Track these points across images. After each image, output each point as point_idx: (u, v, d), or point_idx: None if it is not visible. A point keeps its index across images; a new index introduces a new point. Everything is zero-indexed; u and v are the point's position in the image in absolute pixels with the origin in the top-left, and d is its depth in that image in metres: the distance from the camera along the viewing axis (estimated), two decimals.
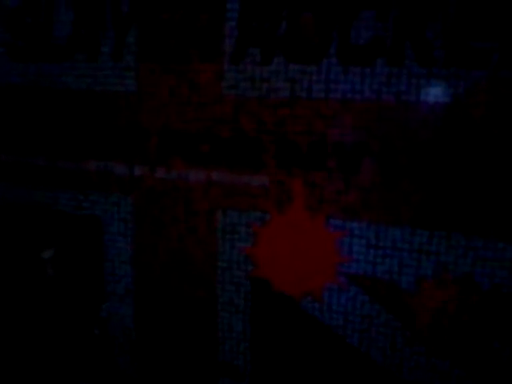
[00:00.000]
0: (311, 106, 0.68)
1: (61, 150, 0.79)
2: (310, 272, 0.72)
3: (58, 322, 0.82)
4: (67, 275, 0.81)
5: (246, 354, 0.78)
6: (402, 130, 0.65)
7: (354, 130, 0.67)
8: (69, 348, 0.84)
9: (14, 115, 0.81)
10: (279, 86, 0.69)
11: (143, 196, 0.76)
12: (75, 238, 0.80)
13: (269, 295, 0.74)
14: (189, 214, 0.75)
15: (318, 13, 0.66)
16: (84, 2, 0.75)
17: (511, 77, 0.61)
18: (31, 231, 0.81)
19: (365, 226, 0.69)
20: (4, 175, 0.83)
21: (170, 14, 0.71)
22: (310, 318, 0.73)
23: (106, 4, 0.74)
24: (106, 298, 0.81)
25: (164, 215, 0.76)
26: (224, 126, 0.71)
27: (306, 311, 0.73)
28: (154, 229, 0.77)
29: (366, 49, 0.65)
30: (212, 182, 0.73)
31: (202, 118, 0.72)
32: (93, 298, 0.81)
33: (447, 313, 0.68)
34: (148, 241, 0.78)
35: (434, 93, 0.65)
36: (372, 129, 0.66)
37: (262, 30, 0.68)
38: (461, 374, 0.69)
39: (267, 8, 0.68)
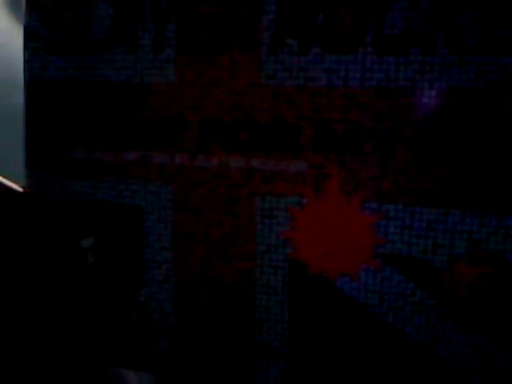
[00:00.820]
0: (347, 93, 0.71)
1: (101, 142, 0.82)
2: (346, 253, 0.75)
3: (97, 307, 0.85)
4: (108, 262, 0.84)
5: (284, 335, 0.81)
6: (435, 115, 0.69)
7: (389, 117, 0.70)
8: (107, 332, 0.86)
9: (54, 109, 0.84)
10: (316, 75, 0.72)
11: (183, 184, 0.79)
12: (116, 226, 0.83)
13: (306, 277, 0.77)
14: (228, 200, 0.78)
15: (354, 4, 0.69)
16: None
17: None
18: (73, 220, 0.84)
19: (400, 208, 0.72)
20: (47, 167, 0.85)
21: (209, 7, 0.74)
22: (346, 298, 0.76)
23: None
24: (145, 283, 0.84)
25: (203, 202, 0.79)
26: (263, 114, 0.74)
27: (343, 291, 0.76)
28: (193, 215, 0.80)
29: (400, 38, 0.69)
30: (251, 168, 0.76)
31: (241, 107, 0.75)
32: (132, 285, 0.83)
33: (479, 289, 0.71)
34: (188, 227, 0.80)
35: (465, 79, 0.68)
36: (406, 115, 0.70)
37: (299, 22, 0.72)
38: (493, 347, 0.72)
39: (304, 0, 0.71)
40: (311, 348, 0.80)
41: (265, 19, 0.73)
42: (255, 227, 0.78)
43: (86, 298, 0.87)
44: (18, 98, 0.90)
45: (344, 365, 0.79)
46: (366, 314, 0.76)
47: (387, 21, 0.69)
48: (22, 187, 0.86)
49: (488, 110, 0.67)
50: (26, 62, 0.85)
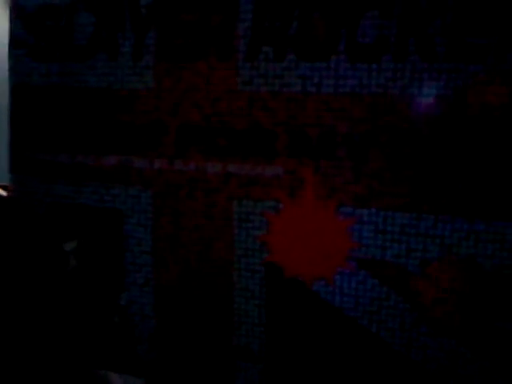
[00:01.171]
0: (321, 99, 0.73)
1: (83, 147, 0.83)
2: (321, 257, 0.76)
3: (79, 309, 0.86)
4: (89, 265, 0.85)
5: (262, 338, 0.82)
6: (407, 121, 0.70)
7: (362, 122, 0.71)
8: (89, 335, 0.88)
9: (38, 114, 0.85)
10: (291, 81, 0.73)
11: (162, 188, 0.81)
12: (97, 229, 0.84)
13: (282, 280, 0.78)
14: (206, 204, 0.79)
15: (327, 13, 0.71)
16: (104, 6, 0.79)
17: (507, 70, 0.65)
18: (56, 224, 0.85)
19: (374, 212, 0.73)
20: (31, 172, 0.87)
21: (187, 16, 0.76)
22: (321, 301, 0.77)
23: (125, 7, 0.78)
24: (125, 287, 0.85)
25: (182, 206, 0.80)
26: (239, 120, 0.75)
27: (318, 295, 0.77)
28: (173, 219, 0.81)
29: (372, 46, 0.70)
30: (228, 173, 0.77)
31: (218, 113, 0.76)
32: (113, 288, 0.84)
33: (452, 293, 0.72)
34: (167, 231, 0.82)
35: (436, 86, 0.69)
36: (379, 121, 0.71)
37: (274, 29, 0.73)
38: (466, 352, 0.73)
39: (279, 8, 0.72)
40: (289, 350, 0.81)
41: (241, 27, 0.74)
42: (233, 231, 0.79)
43: (68, 301, 0.88)
44: (4, 100, 0.91)
45: (321, 367, 0.80)
46: (342, 318, 0.77)
47: (360, 29, 0.70)
48: (6, 190, 0.88)
49: (457, 116, 0.68)
50: (10, 68, 0.86)
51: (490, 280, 0.70)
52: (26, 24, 0.84)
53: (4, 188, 0.86)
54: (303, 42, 0.72)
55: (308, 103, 0.73)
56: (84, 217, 0.86)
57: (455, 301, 0.72)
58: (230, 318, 0.82)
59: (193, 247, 0.82)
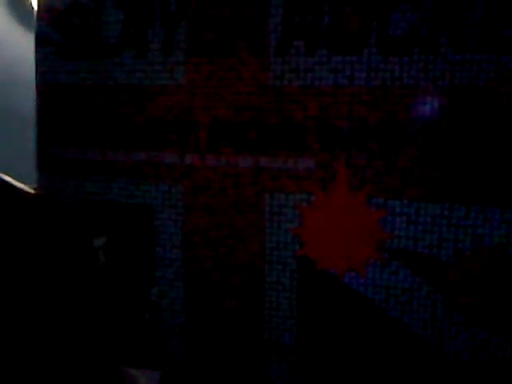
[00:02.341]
0: (353, 92, 0.73)
1: (114, 144, 0.84)
2: (353, 249, 0.77)
3: (110, 305, 0.86)
4: (119, 261, 0.86)
5: (292, 331, 0.82)
6: (439, 113, 0.71)
7: (394, 114, 0.72)
8: (120, 331, 0.88)
9: (66, 112, 0.86)
10: (323, 75, 0.74)
11: (193, 183, 0.81)
12: (127, 225, 0.85)
13: (314, 273, 0.79)
14: (237, 198, 0.80)
15: (358, 6, 0.72)
16: (133, 2, 0.80)
17: None
18: (86, 220, 0.85)
19: (405, 203, 0.74)
20: (59, 169, 0.87)
21: (217, 11, 0.77)
22: (353, 292, 0.78)
23: (155, 3, 0.79)
24: (156, 282, 0.86)
25: (213, 200, 0.81)
26: (271, 114, 0.76)
27: (350, 286, 0.78)
28: (203, 214, 0.82)
29: (404, 39, 0.71)
30: (260, 167, 0.78)
31: (249, 108, 0.77)
32: (144, 283, 0.85)
33: (484, 283, 0.73)
34: (198, 226, 0.82)
35: (467, 77, 0.70)
36: (410, 113, 0.72)
37: (305, 24, 0.74)
38: (499, 342, 0.74)
39: (309, 3, 0.73)
40: (320, 343, 0.82)
41: (272, 22, 0.75)
42: (264, 224, 0.80)
43: (98, 297, 0.88)
44: (18, 99, 0.91)
45: (352, 359, 0.80)
46: (374, 309, 0.78)
47: (391, 21, 0.71)
48: (34, 189, 0.88)
49: (489, 108, 0.69)
50: (37, 66, 0.87)
51: None
52: (54, 22, 0.85)
53: (33, 188, 0.87)
54: (334, 36, 0.73)
55: (339, 96, 0.74)
56: (114, 213, 0.86)
57: (487, 291, 0.73)
58: (261, 312, 0.83)
59: (224, 241, 0.82)
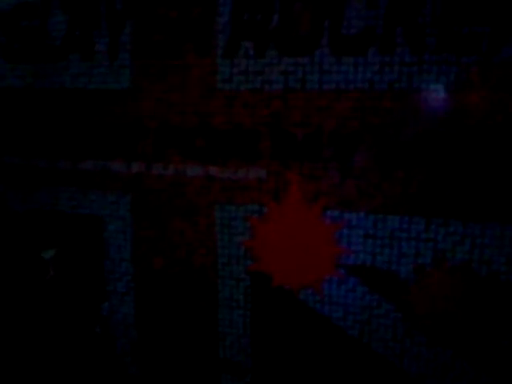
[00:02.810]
0: (305, 97, 0.68)
1: (59, 150, 0.79)
2: (308, 264, 0.72)
3: (59, 320, 0.83)
4: (68, 274, 0.82)
5: (247, 349, 0.78)
6: (396, 118, 0.65)
7: (349, 120, 0.67)
8: (70, 346, 0.84)
9: (13, 117, 0.82)
10: (273, 78, 0.69)
11: (141, 193, 0.77)
12: (75, 237, 0.81)
13: (268, 289, 0.74)
14: (187, 209, 0.75)
15: (309, 3, 0.67)
16: (78, 3, 0.76)
17: (503, 61, 0.61)
18: (33, 232, 0.82)
19: (362, 216, 0.69)
20: (5, 177, 0.83)
21: (163, 10, 0.72)
22: (310, 310, 0.73)
23: (100, 2, 0.74)
24: (106, 296, 0.81)
25: (162, 211, 0.76)
26: (219, 120, 0.71)
27: (306, 304, 0.73)
28: (153, 225, 0.77)
29: (358, 38, 0.66)
30: (209, 176, 0.73)
31: (197, 113, 0.72)
32: (94, 297, 0.81)
33: (447, 301, 0.68)
34: (148, 237, 0.78)
35: (426, 80, 0.65)
36: (366, 118, 0.67)
37: (255, 23, 0.69)
38: (463, 363, 0.68)
39: (259, 1, 0.68)
40: (275, 361, 0.77)
41: (219, 21, 0.70)
42: (215, 237, 0.75)
43: (47, 311, 0.84)
44: None
45: (309, 378, 0.76)
46: (331, 328, 0.73)
47: (344, 20, 0.66)
48: None
49: (450, 110, 0.64)
50: None
51: (487, 286, 0.66)
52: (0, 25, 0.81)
53: None
54: (285, 36, 0.68)
55: (291, 101, 0.69)
56: (63, 224, 0.82)
57: (450, 309, 0.68)
58: (214, 329, 0.78)
59: (175, 254, 0.78)
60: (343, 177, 0.68)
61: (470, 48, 0.62)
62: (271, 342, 0.76)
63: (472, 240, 0.66)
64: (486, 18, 0.60)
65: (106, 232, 0.80)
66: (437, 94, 0.64)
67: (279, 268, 0.73)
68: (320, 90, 0.68)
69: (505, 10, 0.60)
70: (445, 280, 0.68)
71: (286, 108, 0.69)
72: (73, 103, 0.78)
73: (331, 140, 0.68)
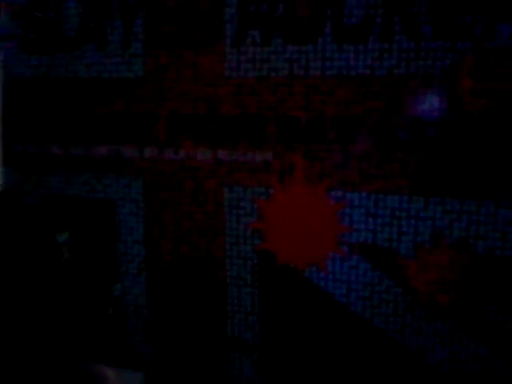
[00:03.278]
0: (309, 83, 0.72)
1: (74, 137, 0.83)
2: (313, 243, 0.75)
3: (73, 301, 0.86)
4: (82, 257, 0.85)
5: (255, 327, 0.81)
6: (395, 103, 0.69)
7: (351, 104, 0.71)
8: (83, 327, 0.87)
9: (29, 106, 0.85)
10: (278, 65, 0.73)
11: (153, 176, 0.80)
12: (89, 220, 0.84)
13: (275, 267, 0.77)
14: (197, 192, 0.79)
15: None
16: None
17: (495, 47, 0.64)
18: (48, 216, 0.85)
19: (364, 196, 0.73)
20: (22, 164, 0.87)
21: (173, 2, 0.76)
22: (314, 287, 0.76)
23: None
24: (119, 277, 0.85)
25: (173, 194, 0.80)
26: (228, 106, 0.75)
27: (311, 281, 0.76)
28: (164, 208, 0.81)
29: (359, 26, 0.69)
30: (218, 160, 0.77)
31: (206, 99, 0.76)
32: (107, 279, 0.84)
33: (445, 277, 0.71)
34: (159, 219, 0.81)
35: (423, 66, 0.68)
36: (367, 102, 0.70)
37: (261, 13, 0.73)
38: (461, 336, 0.72)
39: None
40: (282, 339, 0.80)
41: (227, 12, 0.74)
42: (224, 218, 0.79)
43: (62, 293, 0.87)
44: None
45: (315, 356, 0.79)
46: (335, 304, 0.76)
47: (346, 9, 0.69)
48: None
49: (446, 94, 0.67)
50: (1, 61, 0.86)
51: (483, 262, 0.69)
52: (16, 16, 0.85)
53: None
54: (289, 25, 0.72)
55: (296, 87, 0.72)
56: (76, 208, 0.86)
57: (448, 284, 0.71)
58: (223, 308, 0.81)
59: (185, 235, 0.81)
60: (345, 159, 0.72)
61: (464, 35, 0.65)
62: (278, 318, 0.79)
63: (468, 217, 0.69)
64: (478, 6, 0.64)
65: (119, 215, 0.83)
66: (434, 79, 0.68)
67: (285, 246, 0.76)
68: (323, 76, 0.71)
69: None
70: (443, 256, 0.71)
71: (290, 94, 0.73)
72: (87, 92, 0.82)
73: (334, 124, 0.72)
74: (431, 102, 0.68)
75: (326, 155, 0.73)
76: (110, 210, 0.84)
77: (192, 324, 0.84)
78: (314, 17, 0.71)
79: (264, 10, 0.73)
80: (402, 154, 0.70)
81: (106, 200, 0.84)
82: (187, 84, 0.77)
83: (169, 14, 0.76)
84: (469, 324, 0.71)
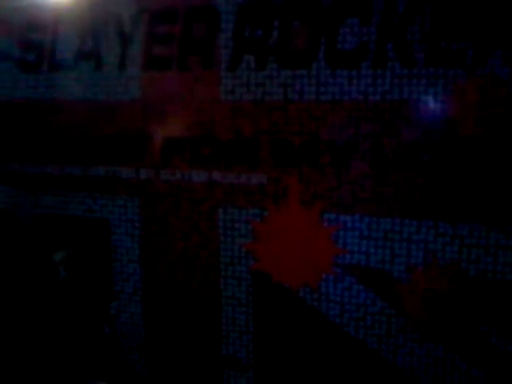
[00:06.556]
0: (303, 107, 0.73)
1: (71, 158, 0.84)
2: (307, 264, 0.76)
3: (69, 320, 0.86)
4: (78, 275, 0.86)
5: (249, 346, 0.82)
6: (388, 127, 0.70)
7: (344, 129, 0.72)
8: (80, 346, 0.88)
9: (24, 126, 0.86)
10: (273, 89, 0.74)
11: (149, 197, 0.81)
12: (85, 240, 0.85)
13: (269, 288, 0.78)
14: (192, 212, 0.80)
15: (307, 21, 0.71)
16: (88, 19, 0.80)
17: (487, 74, 0.65)
18: (44, 235, 0.86)
19: (357, 218, 0.73)
20: (19, 183, 0.88)
21: (170, 27, 0.77)
22: (308, 308, 0.77)
23: (109, 19, 0.79)
24: (115, 296, 0.85)
25: (169, 215, 0.81)
26: (223, 129, 0.76)
27: (305, 302, 0.77)
28: (159, 228, 0.81)
29: (352, 53, 0.70)
30: (213, 181, 0.78)
31: (202, 122, 0.77)
32: (103, 297, 0.85)
33: (438, 299, 0.72)
34: (154, 240, 0.82)
35: (416, 92, 0.69)
36: (361, 127, 0.71)
37: (255, 39, 0.74)
38: (454, 358, 0.73)
39: (259, 19, 0.73)
40: (276, 358, 0.81)
41: (222, 37, 0.75)
42: (218, 239, 0.80)
43: (58, 311, 0.88)
44: None
45: (308, 374, 0.80)
46: (328, 324, 0.77)
47: (339, 36, 0.70)
48: None
49: (438, 119, 0.68)
50: None
51: (476, 285, 0.70)
52: (13, 37, 0.85)
53: None
54: (284, 51, 0.73)
55: (290, 111, 0.73)
56: (73, 227, 0.86)
57: (441, 306, 0.72)
58: (218, 327, 0.82)
59: (180, 255, 0.82)
60: (339, 182, 0.73)
61: (456, 62, 0.66)
62: (272, 337, 0.80)
63: (460, 241, 0.70)
64: (469, 34, 0.65)
65: (115, 234, 0.84)
66: (427, 104, 0.69)
67: (280, 267, 0.77)
68: (317, 101, 0.72)
69: (487, 27, 0.64)
70: (435, 278, 0.72)
71: (285, 118, 0.74)
72: (83, 113, 0.83)
73: (328, 148, 0.73)
74: (424, 127, 0.69)
75: (320, 178, 0.74)
76: (106, 229, 0.84)
77: (187, 342, 0.85)
78: (308, 42, 0.72)
79: (259, 36, 0.73)
80: (395, 177, 0.71)
81: (102, 219, 0.84)
82: (183, 106, 0.78)
83: (165, 38, 0.77)
84: (461, 345, 0.72)
